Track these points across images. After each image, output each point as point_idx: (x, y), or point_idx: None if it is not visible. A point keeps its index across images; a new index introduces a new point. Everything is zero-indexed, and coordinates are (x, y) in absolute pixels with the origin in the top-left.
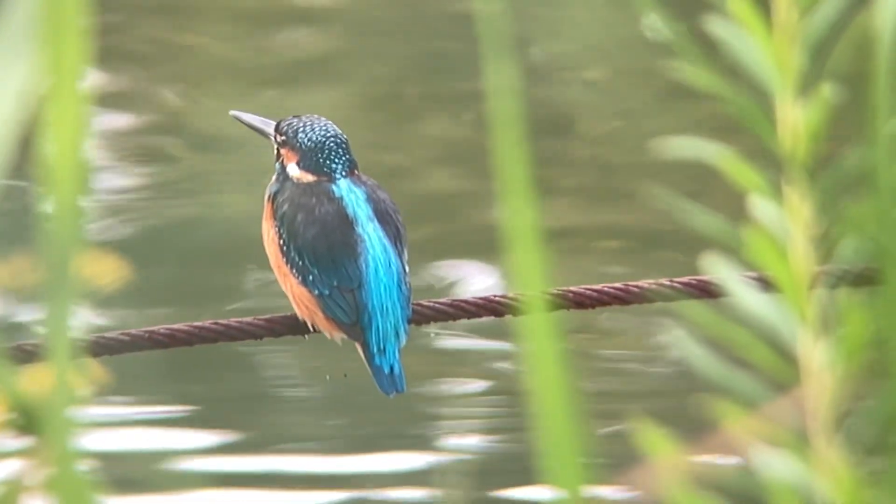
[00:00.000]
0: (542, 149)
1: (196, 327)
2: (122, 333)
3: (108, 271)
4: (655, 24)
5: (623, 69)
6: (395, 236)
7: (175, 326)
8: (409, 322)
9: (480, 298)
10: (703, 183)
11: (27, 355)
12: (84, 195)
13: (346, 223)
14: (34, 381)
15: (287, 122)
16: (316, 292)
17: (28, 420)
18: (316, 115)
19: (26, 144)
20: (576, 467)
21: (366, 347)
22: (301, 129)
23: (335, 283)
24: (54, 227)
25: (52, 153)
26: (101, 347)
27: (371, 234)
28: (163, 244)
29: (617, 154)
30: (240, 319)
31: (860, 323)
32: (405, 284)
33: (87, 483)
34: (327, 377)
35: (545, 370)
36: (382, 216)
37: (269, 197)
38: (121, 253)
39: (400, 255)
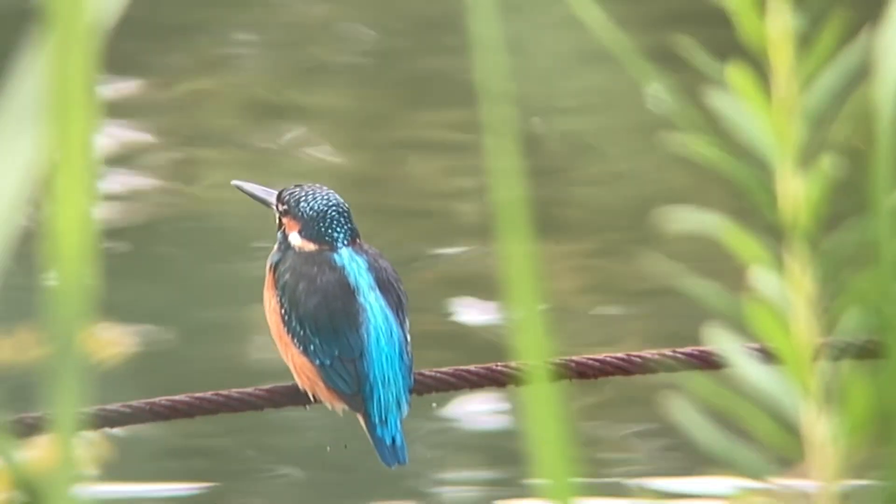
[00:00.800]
0: (537, 205)
1: (197, 398)
2: (123, 405)
3: (110, 345)
4: (658, 95)
5: (622, 129)
6: (397, 305)
7: (176, 398)
8: (411, 392)
9: (483, 368)
10: (704, 252)
11: (29, 428)
12: (90, 268)
13: (347, 292)
14: (37, 454)
15: (289, 192)
16: (317, 362)
17: (31, 495)
18: (318, 185)
19: (33, 217)
20: None
21: (367, 418)
22: (303, 198)
23: (336, 353)
24: (59, 301)
25: (58, 226)
26: (101, 420)
27: (373, 303)
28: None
29: (616, 220)
30: (241, 390)
31: (863, 396)
32: (407, 354)
33: None
34: (328, 448)
35: (548, 440)
36: (384, 285)
37: (271, 266)
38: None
39: (402, 325)
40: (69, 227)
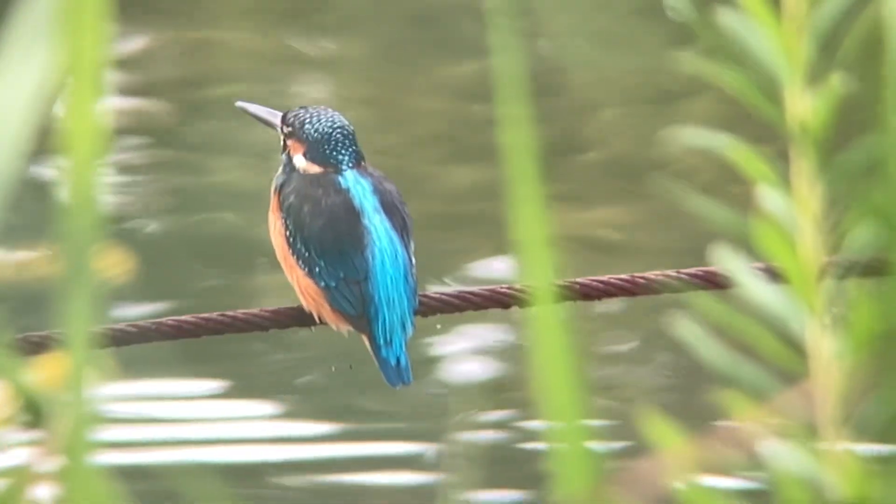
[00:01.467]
0: (545, 143)
1: (203, 318)
2: (130, 325)
3: (115, 264)
4: (677, 4)
5: (624, 64)
6: (402, 228)
7: (182, 318)
8: (416, 314)
9: (486, 289)
10: (711, 173)
11: (34, 346)
12: (101, 187)
13: (352, 214)
14: (42, 371)
15: (293, 114)
16: (322, 284)
17: (35, 412)
18: (323, 107)
19: (45, 135)
20: (584, 459)
21: (372, 339)
22: (308, 120)
23: (341, 275)
24: (72, 218)
25: (70, 143)
26: (108, 338)
27: (377, 225)
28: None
29: (624, 146)
30: (246, 311)
31: (869, 313)
32: (411, 276)
33: (97, 472)
34: (332, 368)
35: (552, 361)
36: (389, 207)
37: (276, 189)
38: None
39: (406, 247)
40: (82, 139)
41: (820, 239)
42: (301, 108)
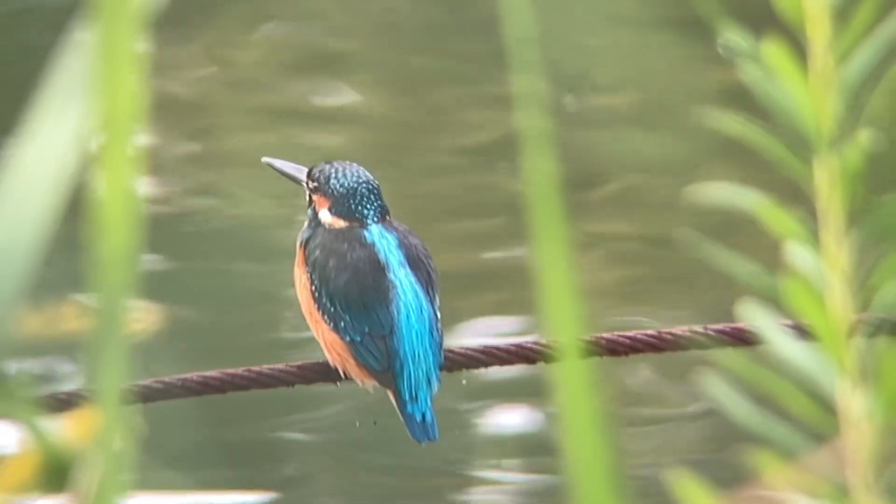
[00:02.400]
0: (570, 187)
1: (229, 374)
2: (156, 381)
3: (144, 318)
4: (730, 42)
5: (657, 109)
6: (427, 282)
7: (208, 374)
8: (441, 369)
9: (513, 345)
10: (738, 227)
11: (61, 404)
12: (134, 242)
13: (377, 269)
14: (69, 430)
15: (319, 169)
16: (347, 339)
17: (60, 471)
18: (348, 162)
19: (78, 193)
20: None
21: (397, 395)
22: (333, 175)
23: (367, 330)
24: (104, 275)
25: (103, 200)
26: (134, 395)
27: (403, 279)
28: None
29: (651, 197)
30: (272, 367)
31: None
32: (437, 331)
33: None
34: (357, 424)
35: (580, 417)
36: (414, 262)
37: (301, 243)
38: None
39: (431, 302)
40: (115, 199)
41: (849, 297)
42: (326, 162)
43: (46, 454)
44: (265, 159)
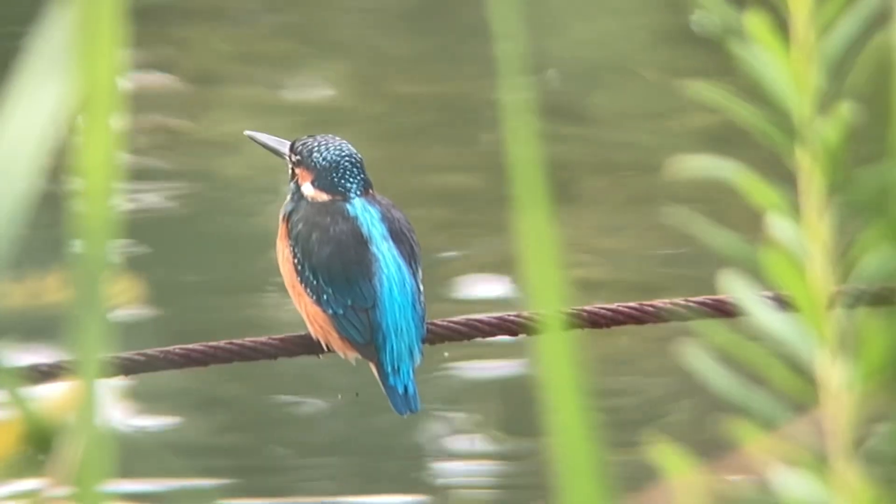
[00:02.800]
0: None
1: (211, 347)
2: (138, 353)
3: (123, 291)
4: (704, 19)
5: (634, 75)
6: (410, 255)
7: (190, 346)
8: (424, 341)
9: (495, 317)
10: (717, 199)
11: (43, 375)
12: (115, 213)
13: (360, 242)
14: (52, 401)
15: (302, 142)
16: (330, 312)
17: (44, 441)
18: (331, 135)
19: (59, 160)
20: (593, 490)
21: (380, 367)
22: (316, 148)
23: (349, 303)
24: (85, 245)
25: (84, 168)
26: (116, 367)
27: (386, 253)
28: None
29: (631, 168)
30: (254, 339)
31: (878, 342)
32: (419, 304)
33: (108, 501)
34: (339, 396)
35: (561, 389)
36: (397, 235)
37: (284, 216)
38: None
39: (414, 275)
40: (95, 167)
41: (829, 268)
42: (309, 136)
43: (29, 425)
44: (247, 132)
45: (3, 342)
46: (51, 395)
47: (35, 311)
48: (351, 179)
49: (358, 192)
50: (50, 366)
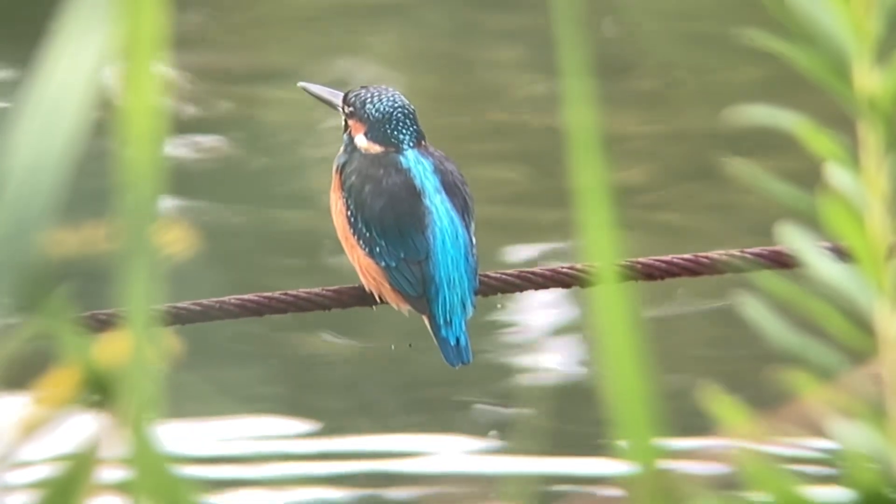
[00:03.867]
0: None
1: (266, 297)
2: (193, 303)
3: (177, 240)
4: None
5: (689, 29)
6: (463, 208)
7: (245, 297)
8: (476, 294)
9: (548, 270)
10: (776, 148)
11: (101, 325)
12: (160, 163)
13: (413, 194)
14: (108, 350)
15: (355, 94)
16: (383, 264)
17: (101, 390)
18: (384, 86)
19: (104, 113)
20: (649, 441)
21: (432, 319)
22: (369, 99)
23: (402, 255)
24: (131, 195)
25: (127, 123)
26: (172, 317)
27: (438, 205)
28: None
29: (691, 116)
30: (308, 290)
31: None
32: (472, 256)
33: (163, 455)
34: (392, 346)
35: (617, 342)
36: (450, 187)
37: (338, 168)
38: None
39: (467, 227)
40: (139, 116)
41: (888, 217)
42: (362, 87)
43: (87, 372)
44: (301, 83)
45: (60, 291)
46: (108, 343)
47: (91, 259)
48: (404, 131)
49: (411, 144)
50: (107, 314)
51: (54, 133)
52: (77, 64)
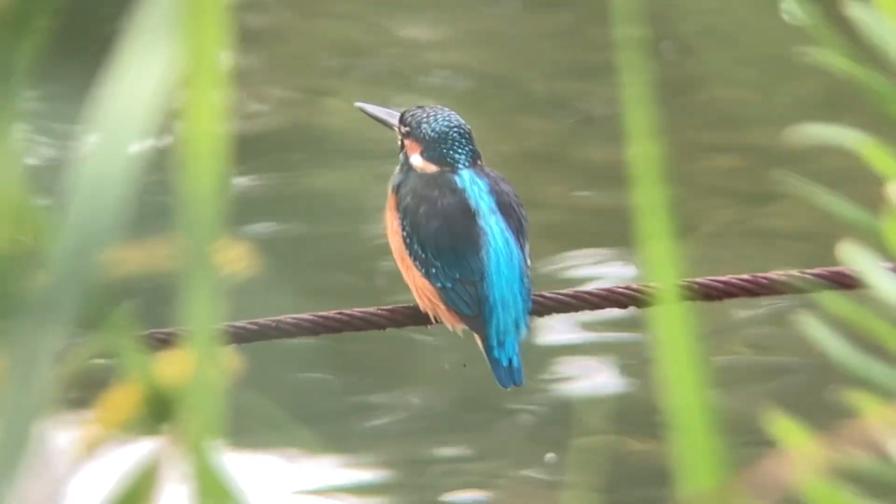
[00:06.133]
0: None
1: (321, 317)
2: (250, 322)
3: (239, 259)
4: (793, 9)
5: (747, 54)
6: (518, 229)
7: (301, 316)
8: (530, 315)
9: (603, 290)
10: (840, 169)
11: (159, 343)
12: (223, 180)
13: (468, 215)
14: (169, 368)
15: (411, 113)
16: (438, 285)
17: (163, 409)
18: (440, 106)
19: (166, 130)
20: (712, 463)
21: (485, 340)
22: (425, 119)
23: (457, 276)
24: (193, 212)
25: (190, 137)
26: (228, 336)
27: (493, 226)
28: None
29: (750, 136)
30: (364, 310)
31: None
32: (527, 277)
33: (223, 472)
34: (446, 366)
35: (678, 363)
36: (505, 208)
37: (393, 188)
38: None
39: (522, 248)
40: (202, 136)
41: None
42: (418, 107)
43: (148, 391)
44: (358, 104)
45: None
46: (168, 362)
47: (153, 278)
48: (459, 150)
49: (466, 164)
50: (167, 333)
51: (119, 151)
52: (142, 82)
